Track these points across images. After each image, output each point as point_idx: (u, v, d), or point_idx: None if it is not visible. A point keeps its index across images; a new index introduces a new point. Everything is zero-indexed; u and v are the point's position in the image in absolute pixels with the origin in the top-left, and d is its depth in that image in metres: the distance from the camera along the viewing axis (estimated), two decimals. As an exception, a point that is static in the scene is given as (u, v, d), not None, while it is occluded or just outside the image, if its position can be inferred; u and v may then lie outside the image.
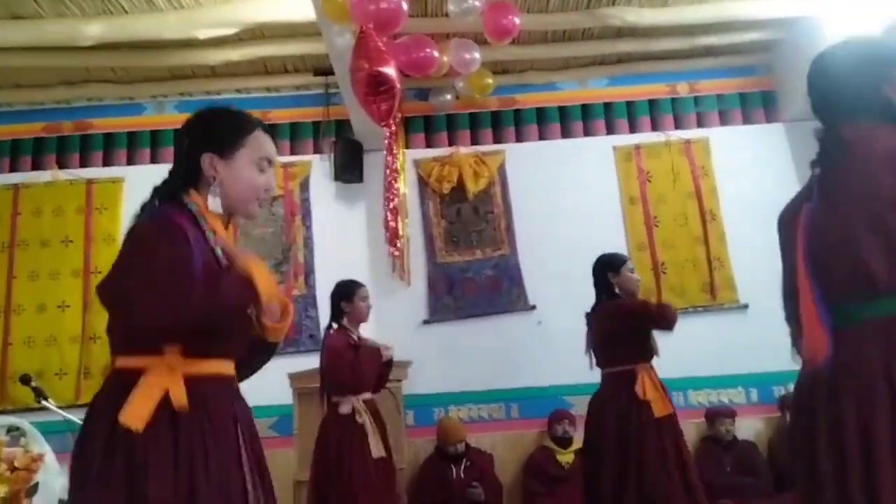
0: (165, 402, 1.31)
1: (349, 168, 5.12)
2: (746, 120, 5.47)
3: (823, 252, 1.46)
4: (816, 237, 1.47)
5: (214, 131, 1.54)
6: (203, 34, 4.46)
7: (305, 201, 5.22)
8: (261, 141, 1.55)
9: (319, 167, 5.29)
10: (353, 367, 3.35)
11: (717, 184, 5.25)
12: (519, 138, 5.50)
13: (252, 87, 5.39)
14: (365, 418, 3.33)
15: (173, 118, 5.41)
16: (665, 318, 3.35)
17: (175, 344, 1.36)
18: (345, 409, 3.33)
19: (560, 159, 5.37)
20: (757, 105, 5.50)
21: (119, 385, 1.33)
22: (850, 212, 1.40)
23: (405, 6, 2.86)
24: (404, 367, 4.35)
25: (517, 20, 3.86)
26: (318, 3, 3.18)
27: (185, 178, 1.53)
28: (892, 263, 1.35)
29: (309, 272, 5.09)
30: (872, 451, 1.29)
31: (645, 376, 3.33)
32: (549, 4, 4.66)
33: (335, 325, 3.55)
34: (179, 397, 1.32)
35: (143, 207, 1.55)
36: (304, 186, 5.25)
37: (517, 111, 5.54)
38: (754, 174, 5.13)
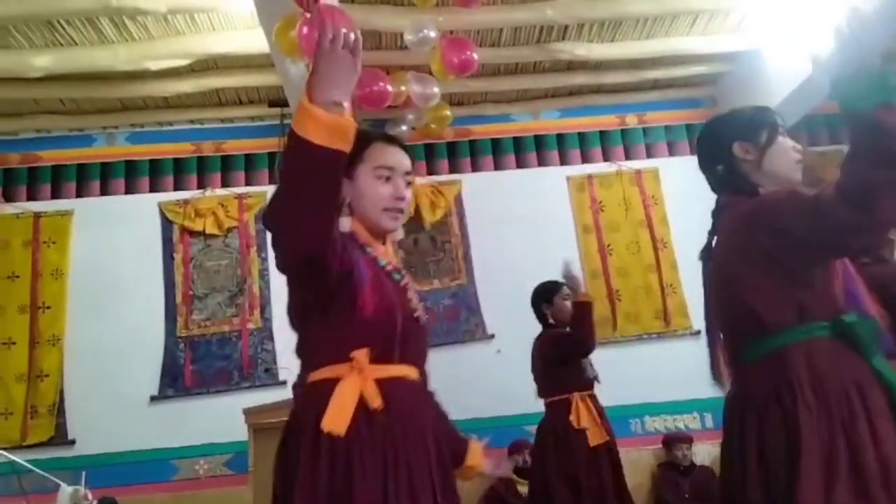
0: (361, 406, 1.33)
1: (305, 199, 5.10)
2: (693, 150, 5.61)
3: (720, 300, 1.69)
4: (712, 288, 1.73)
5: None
6: (155, 66, 4.43)
7: (261, 232, 5.17)
8: (378, 151, 1.52)
9: (275, 198, 5.26)
10: None
11: (667, 212, 5.39)
12: (475, 168, 5.57)
13: (206, 118, 5.36)
14: None
15: (124, 150, 5.35)
16: (582, 341, 3.43)
17: (360, 348, 1.37)
18: None
19: (515, 189, 5.44)
20: (703, 136, 5.67)
21: (315, 396, 1.36)
22: (733, 268, 1.62)
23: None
24: (362, 399, 4.30)
25: (475, 55, 3.93)
26: (272, 37, 3.19)
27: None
28: (771, 309, 1.55)
29: (265, 305, 5.03)
30: (771, 473, 1.45)
31: (580, 405, 3.37)
32: (502, 39, 4.77)
33: None
34: (373, 396, 1.34)
35: None
36: (260, 217, 5.19)
37: (472, 142, 5.61)
38: (702, 202, 5.22)
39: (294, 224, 1.23)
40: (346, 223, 1.49)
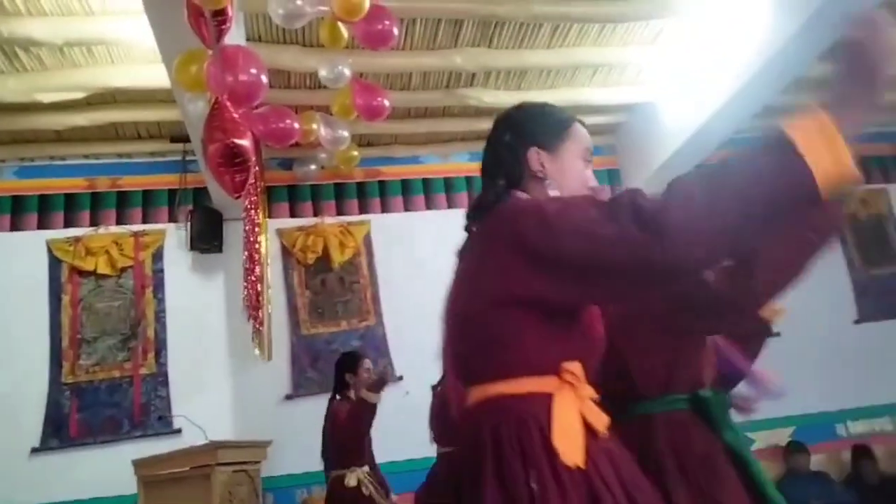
0: (586, 430, 1.14)
1: (207, 237, 4.94)
2: (595, 196, 5.86)
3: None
4: None
5: (539, 124, 1.39)
6: (47, 98, 4.23)
7: (158, 272, 4.96)
8: (583, 133, 1.41)
9: (174, 236, 5.06)
10: (357, 433, 3.59)
11: (573, 254, 5.54)
12: (384, 209, 5.56)
13: (101, 153, 5.12)
14: (371, 489, 3.47)
15: (11, 184, 5.04)
16: None
17: (572, 361, 1.17)
18: (351, 481, 3.48)
19: (425, 230, 5.46)
20: (603, 182, 5.93)
21: (525, 413, 1.13)
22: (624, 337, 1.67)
23: (265, 79, 2.84)
24: (263, 447, 4.14)
25: (386, 102, 3.96)
26: (172, 72, 3.11)
27: (510, 179, 1.35)
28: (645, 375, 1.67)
29: (160, 349, 4.78)
30: None
31: None
32: (412, 83, 4.85)
33: (338, 397, 3.79)
34: (599, 417, 1.16)
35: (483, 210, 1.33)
36: (157, 257, 5.00)
37: (382, 182, 5.62)
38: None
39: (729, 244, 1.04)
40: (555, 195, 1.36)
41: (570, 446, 1.09)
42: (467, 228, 1.38)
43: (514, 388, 1.17)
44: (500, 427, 1.13)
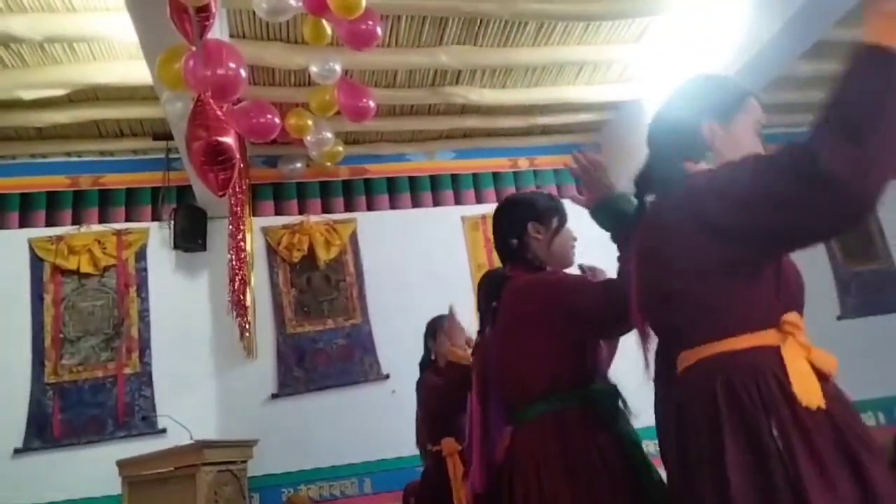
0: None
1: (191, 236, 4.91)
2: (581, 194, 5.86)
3: (497, 366, 1.82)
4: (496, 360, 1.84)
5: (715, 97, 1.40)
6: (28, 95, 4.17)
7: (142, 271, 4.92)
8: (758, 107, 1.41)
9: (158, 235, 5.03)
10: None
11: (557, 252, 5.56)
12: (370, 207, 5.55)
13: (83, 151, 5.07)
14: None
15: (-8, 182, 4.98)
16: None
17: (789, 312, 1.20)
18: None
19: (411, 228, 5.46)
20: (590, 180, 5.93)
21: (749, 366, 1.15)
22: (515, 334, 1.78)
23: (244, 73, 2.82)
24: (249, 446, 4.12)
25: (372, 103, 3.94)
26: (154, 69, 3.08)
27: (683, 151, 1.37)
28: (538, 375, 1.71)
29: (144, 348, 4.74)
30: None
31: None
32: (397, 80, 4.83)
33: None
34: (829, 364, 1.17)
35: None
36: (141, 256, 4.95)
37: (368, 180, 5.60)
38: (589, 244, 5.46)
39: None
40: None
41: (808, 389, 1.11)
42: (639, 196, 1.45)
43: (736, 344, 1.19)
44: (733, 378, 1.15)
